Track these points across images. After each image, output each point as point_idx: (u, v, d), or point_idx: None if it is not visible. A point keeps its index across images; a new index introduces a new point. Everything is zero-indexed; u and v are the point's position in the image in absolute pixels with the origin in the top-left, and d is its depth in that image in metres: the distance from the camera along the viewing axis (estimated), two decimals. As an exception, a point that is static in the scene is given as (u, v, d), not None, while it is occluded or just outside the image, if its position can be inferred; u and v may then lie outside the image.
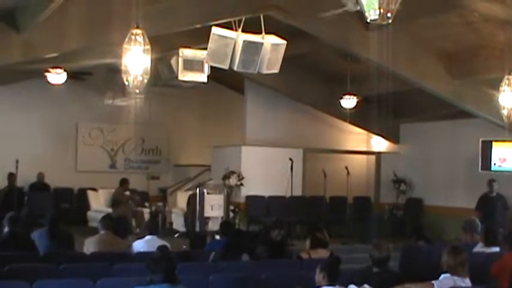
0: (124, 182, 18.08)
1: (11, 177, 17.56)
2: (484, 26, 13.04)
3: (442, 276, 7.31)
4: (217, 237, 12.93)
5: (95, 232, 11.34)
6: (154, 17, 10.87)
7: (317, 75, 19.15)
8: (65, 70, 15.94)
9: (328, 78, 18.93)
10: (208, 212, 15.93)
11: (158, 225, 15.89)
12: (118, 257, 9.35)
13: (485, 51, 14.02)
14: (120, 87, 16.67)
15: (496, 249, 10.07)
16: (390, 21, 7.17)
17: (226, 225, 12.06)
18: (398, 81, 15.33)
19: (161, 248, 6.96)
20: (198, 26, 12.02)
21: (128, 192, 17.80)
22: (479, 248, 10.31)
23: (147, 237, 10.56)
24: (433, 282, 7.21)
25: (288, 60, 11.61)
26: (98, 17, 11.61)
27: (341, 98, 17.64)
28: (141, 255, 9.57)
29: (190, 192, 17.42)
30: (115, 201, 14.83)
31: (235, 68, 10.89)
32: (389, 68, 14.45)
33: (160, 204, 18.52)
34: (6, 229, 9.72)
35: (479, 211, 15.49)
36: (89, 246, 10.42)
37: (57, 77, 16.10)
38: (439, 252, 7.70)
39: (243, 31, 10.79)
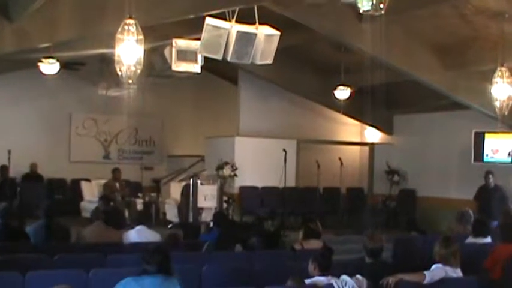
0: (114, 172, 18.11)
1: (3, 169, 17.54)
2: (477, 18, 13.04)
3: (434, 266, 7.34)
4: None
5: (88, 223, 11.38)
6: (148, 7, 10.83)
7: (311, 66, 19.14)
8: (57, 60, 15.88)
9: (322, 70, 18.92)
10: (201, 203, 15.97)
11: (151, 216, 15.97)
12: (111, 248, 9.38)
13: (478, 43, 14.03)
14: (113, 78, 16.59)
15: (487, 240, 10.13)
16: (383, 12, 7.18)
17: (219, 215, 12.09)
18: (392, 72, 15.33)
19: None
20: (192, 16, 11.97)
21: (117, 184, 17.81)
22: (471, 238, 10.35)
23: (138, 227, 10.62)
24: (425, 272, 7.24)
25: (281, 51, 11.60)
26: (91, 7, 11.56)
27: (335, 89, 17.62)
28: (134, 246, 9.60)
29: (183, 183, 17.42)
30: (106, 198, 14.82)
31: (228, 59, 10.87)
32: (383, 59, 14.46)
33: (153, 194, 18.50)
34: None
35: (478, 201, 15.58)
36: (85, 236, 10.47)
37: (49, 67, 16.01)
38: (432, 243, 7.74)
39: (236, 22, 10.77)
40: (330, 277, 7.02)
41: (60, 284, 4.34)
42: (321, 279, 7.02)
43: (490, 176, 15.87)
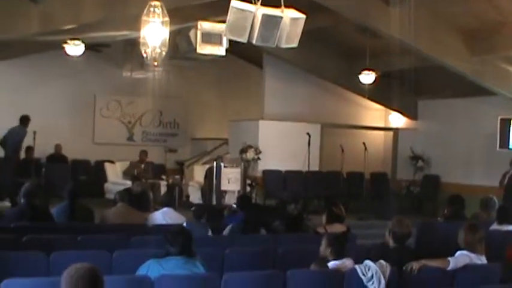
0: (141, 154, 18.27)
1: (29, 150, 17.62)
2: (505, 3, 12.93)
3: (458, 253, 7.30)
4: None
5: (111, 204, 11.43)
6: (173, -11, 10.83)
7: (336, 50, 19.06)
8: (83, 42, 15.93)
9: (347, 53, 18.84)
10: (225, 186, 15.97)
11: (175, 198, 16.01)
12: (135, 229, 9.42)
13: (505, 28, 13.90)
14: (138, 60, 16.68)
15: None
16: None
17: (243, 199, 12.08)
18: (418, 57, 15.25)
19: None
20: (217, -2, 11.97)
21: (142, 166, 17.94)
22: (495, 225, 10.29)
23: (164, 209, 10.68)
24: (449, 258, 7.20)
25: (307, 34, 11.50)
26: (116, -11, 11.60)
27: (360, 73, 17.55)
28: (158, 227, 9.63)
29: (207, 166, 17.45)
30: (133, 177, 14.93)
31: (254, 42, 10.79)
32: (409, 44, 14.36)
33: (177, 177, 18.52)
34: (22, 201, 9.76)
35: (503, 188, 15.48)
36: (109, 218, 10.54)
37: (75, 48, 16.09)
38: (455, 229, 7.68)
39: (262, 4, 10.71)
40: (344, 259, 7.05)
41: (83, 263, 4.34)
42: (337, 263, 7.04)
43: (516, 163, 15.77)
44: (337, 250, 7.19)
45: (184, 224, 9.52)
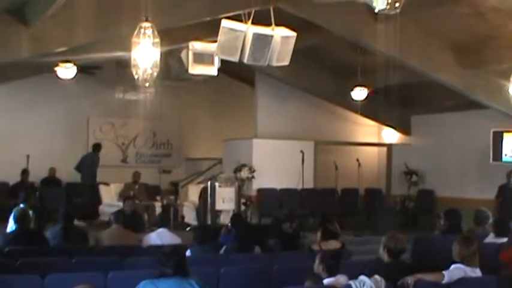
0: (134, 175, 18.32)
1: (24, 173, 17.60)
2: (494, 16, 12.98)
3: (453, 266, 7.31)
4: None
5: (106, 226, 11.43)
6: (164, 9, 10.87)
7: (327, 67, 19.11)
8: (74, 64, 15.95)
9: (338, 70, 18.88)
10: (219, 205, 15.95)
11: (170, 219, 15.99)
12: (129, 251, 9.40)
13: (495, 42, 13.96)
14: (130, 81, 16.66)
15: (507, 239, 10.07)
16: (398, 11, 7.15)
17: (236, 218, 12.09)
18: (409, 72, 15.30)
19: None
20: (208, 18, 12.01)
21: (136, 187, 17.97)
22: (490, 238, 10.30)
23: (159, 230, 10.68)
24: (444, 272, 7.21)
25: (298, 52, 11.57)
26: (107, 10, 11.60)
27: (352, 90, 17.59)
28: (152, 248, 9.61)
29: (201, 186, 17.43)
30: (124, 197, 14.95)
31: (245, 61, 10.86)
32: (400, 59, 14.41)
33: (172, 197, 18.52)
34: (15, 226, 9.73)
35: (499, 200, 15.53)
36: (103, 239, 10.54)
37: (67, 71, 16.11)
38: (451, 243, 7.69)
39: (252, 23, 10.76)
40: (338, 276, 7.05)
41: (82, 284, 4.36)
42: (330, 280, 7.05)
43: (513, 175, 15.88)
44: (329, 267, 7.19)
45: (188, 251, 9.48)
